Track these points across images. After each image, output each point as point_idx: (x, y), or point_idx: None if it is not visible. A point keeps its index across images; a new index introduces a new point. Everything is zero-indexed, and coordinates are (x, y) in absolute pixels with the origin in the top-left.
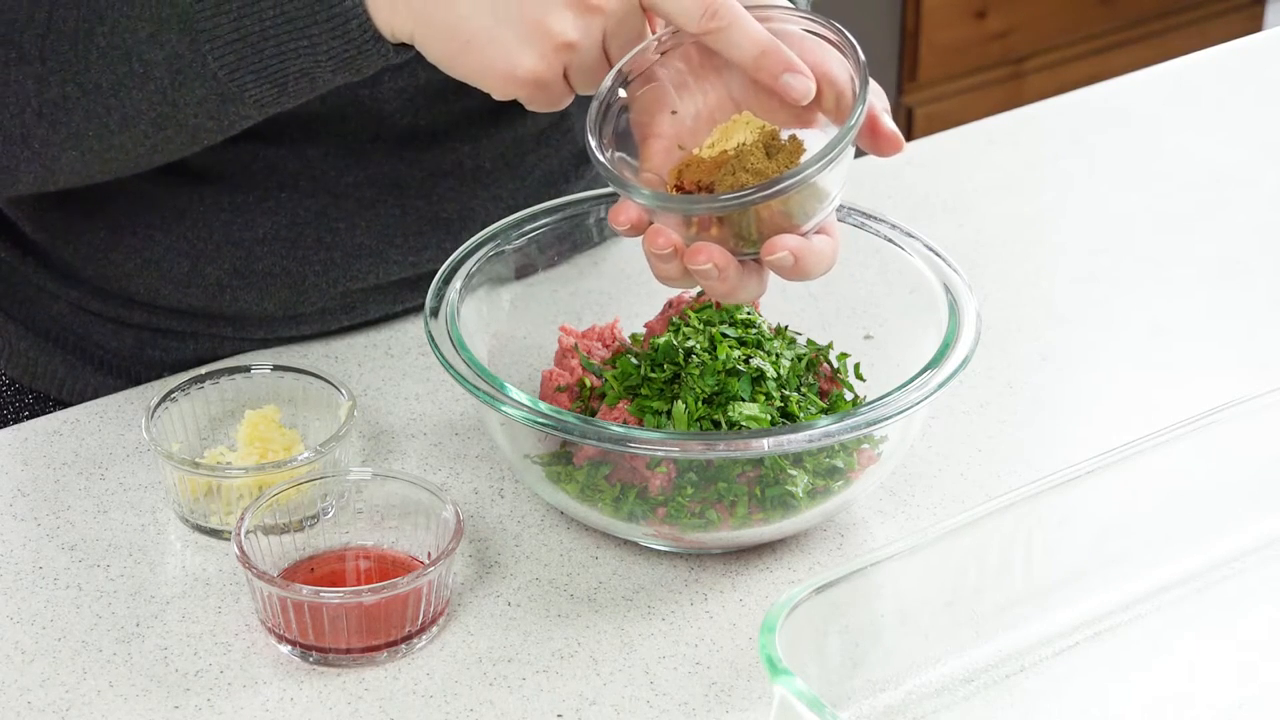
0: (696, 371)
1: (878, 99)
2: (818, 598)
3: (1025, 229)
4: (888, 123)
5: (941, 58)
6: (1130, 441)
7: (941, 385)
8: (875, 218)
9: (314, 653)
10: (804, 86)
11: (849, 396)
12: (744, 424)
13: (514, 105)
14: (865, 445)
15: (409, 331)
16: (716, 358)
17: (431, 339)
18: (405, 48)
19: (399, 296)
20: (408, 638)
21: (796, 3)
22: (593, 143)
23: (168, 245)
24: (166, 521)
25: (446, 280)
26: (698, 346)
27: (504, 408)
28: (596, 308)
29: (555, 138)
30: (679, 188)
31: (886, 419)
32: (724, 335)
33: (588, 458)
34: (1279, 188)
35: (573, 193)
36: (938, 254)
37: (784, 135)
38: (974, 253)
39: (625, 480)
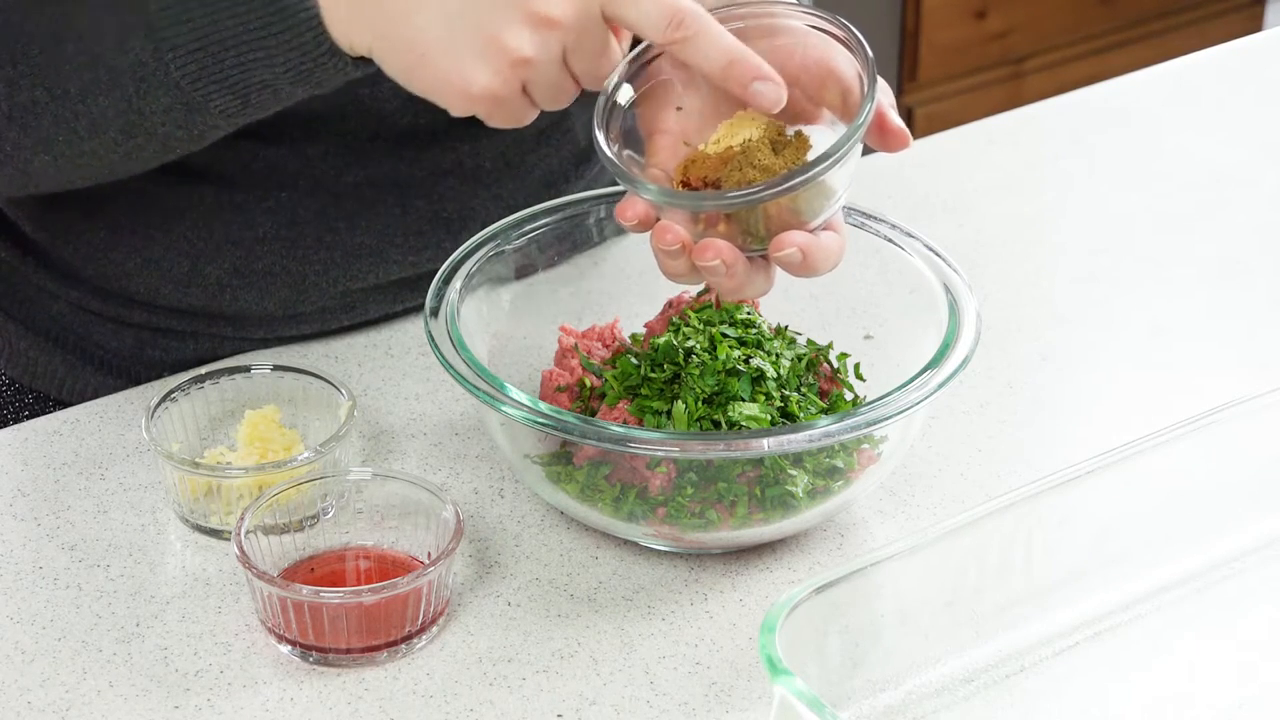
0: (696, 371)
1: (884, 95)
2: (818, 598)
3: (1025, 229)
4: (895, 119)
5: (941, 58)
6: (1130, 441)
7: (941, 385)
8: (875, 218)
9: (314, 653)
10: (775, 94)
11: (849, 396)
12: (744, 424)
13: None
14: (865, 445)
15: (409, 331)
16: (716, 358)
17: (431, 339)
18: (366, 62)
19: (399, 296)
20: (408, 638)
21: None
22: (600, 138)
23: (168, 245)
24: (166, 521)
25: (446, 280)
26: (698, 346)
27: (504, 408)
28: (596, 308)
29: (555, 138)
30: (685, 184)
31: (886, 419)
32: (724, 335)
33: (588, 458)
34: (1279, 188)
35: (573, 193)
36: (938, 254)
37: (789, 131)
38: (974, 253)
39: (625, 480)
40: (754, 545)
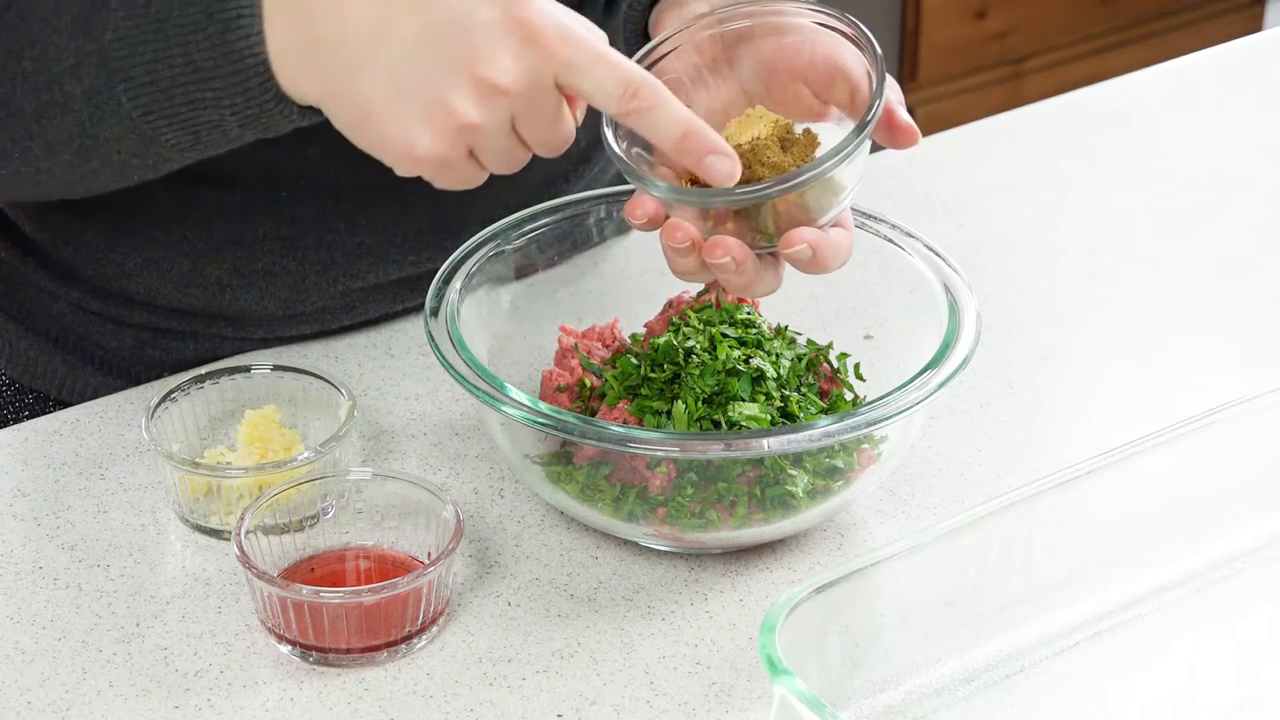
0: (696, 371)
1: (893, 92)
2: (818, 598)
3: (1025, 229)
4: (903, 116)
5: (941, 58)
6: (1130, 441)
7: (941, 385)
8: (875, 218)
9: (314, 653)
10: (728, 168)
11: (849, 396)
12: (744, 424)
13: None
14: (865, 445)
15: (409, 331)
16: (716, 358)
17: (431, 339)
18: (315, 111)
19: (399, 296)
20: (408, 638)
21: None
22: (609, 135)
23: (168, 245)
24: (166, 521)
25: (446, 280)
26: (698, 346)
27: (504, 408)
28: (596, 308)
29: None
30: (694, 181)
31: (886, 419)
32: (724, 335)
33: (588, 458)
34: (1279, 188)
35: (573, 193)
36: (938, 254)
37: (798, 129)
38: (974, 253)
39: (625, 480)
40: (754, 545)
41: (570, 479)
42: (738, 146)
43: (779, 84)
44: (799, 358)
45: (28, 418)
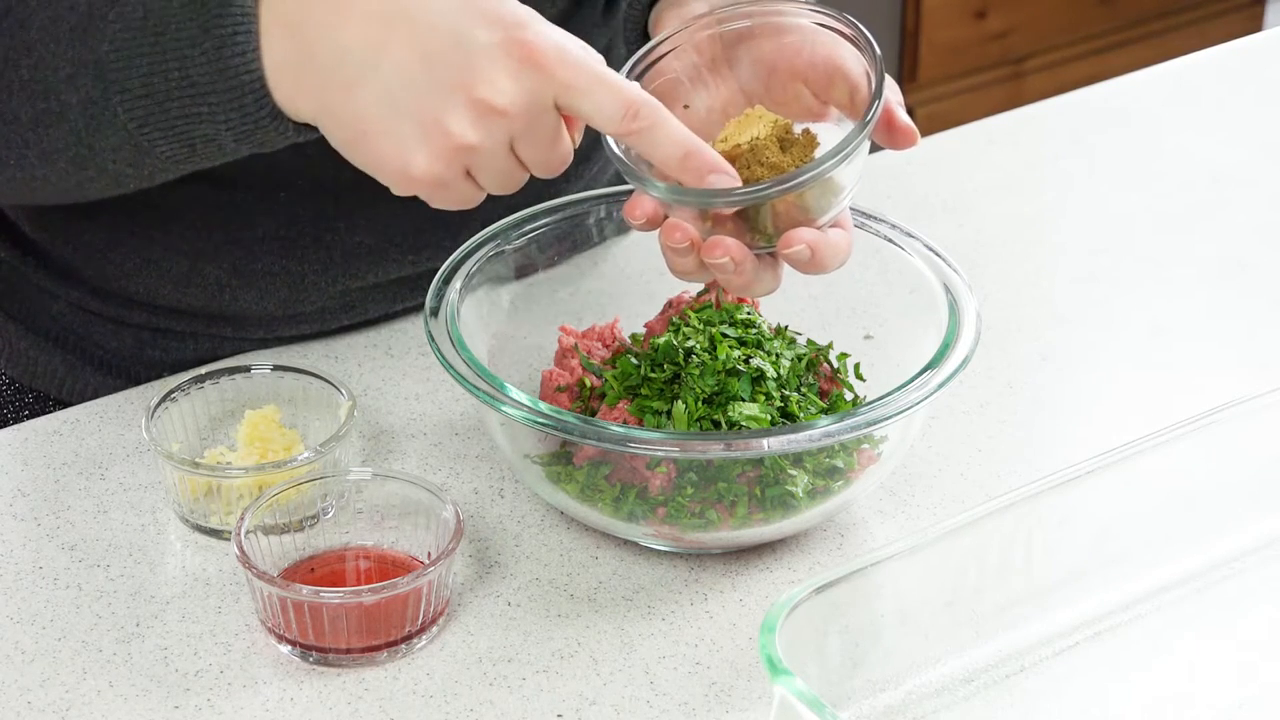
0: (696, 371)
1: (892, 93)
2: (818, 598)
3: (1025, 229)
4: (903, 117)
5: (941, 58)
6: (1130, 441)
7: (941, 385)
8: (875, 218)
9: (314, 653)
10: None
11: (849, 396)
12: (744, 424)
13: None
14: (865, 445)
15: (409, 331)
16: (716, 358)
17: (431, 339)
18: (310, 128)
19: (399, 296)
20: (408, 638)
21: None
22: (609, 137)
23: (167, 245)
24: (166, 521)
25: (446, 280)
26: (698, 346)
27: (504, 408)
28: (596, 308)
29: None
30: None
31: (886, 419)
32: (724, 335)
33: (588, 458)
34: (1279, 188)
35: (573, 193)
36: (938, 254)
37: (797, 129)
38: (974, 253)
39: (625, 480)
40: (754, 545)
41: (570, 479)
42: (737, 146)
43: (778, 84)
44: (799, 358)
45: (28, 418)
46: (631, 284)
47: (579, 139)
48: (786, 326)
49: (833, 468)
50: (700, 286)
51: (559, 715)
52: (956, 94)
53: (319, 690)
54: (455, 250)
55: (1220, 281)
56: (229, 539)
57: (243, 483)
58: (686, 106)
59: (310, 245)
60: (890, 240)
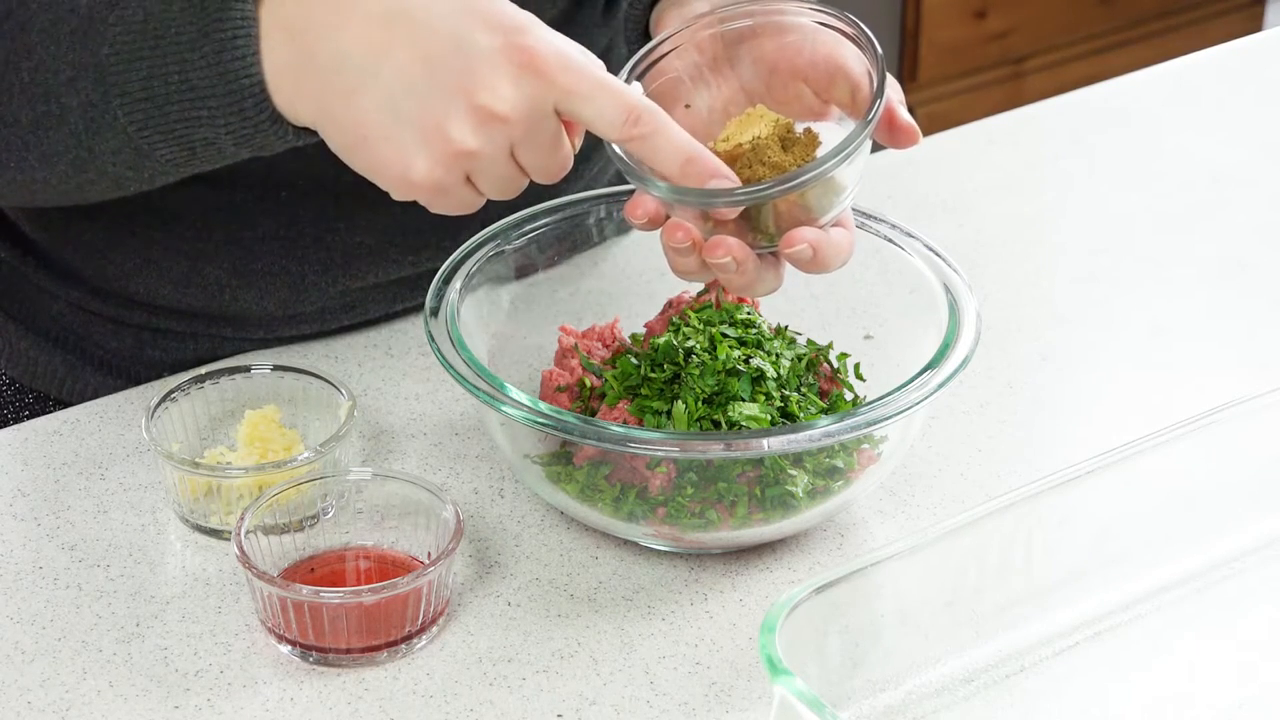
0: (696, 371)
1: (894, 92)
2: (818, 598)
3: (1025, 229)
4: (904, 115)
5: (941, 58)
6: (1130, 441)
7: (941, 385)
8: (875, 218)
9: (314, 653)
10: None
11: (849, 396)
12: (744, 424)
13: None
14: (865, 445)
15: (409, 331)
16: (716, 358)
17: (431, 339)
18: (310, 132)
19: (399, 296)
20: (408, 638)
21: None
22: None
23: (167, 245)
24: (166, 521)
25: (446, 280)
26: (698, 346)
27: (504, 408)
28: (596, 308)
29: None
30: None
31: (886, 419)
32: (724, 335)
33: (588, 458)
34: (1279, 188)
35: (573, 193)
36: (938, 254)
37: (799, 128)
38: (974, 253)
39: (625, 480)
40: (754, 545)
41: (570, 479)
42: (738, 146)
43: (780, 83)
44: (799, 358)
45: (28, 418)
46: (631, 284)
47: (579, 144)
48: (786, 326)
49: (833, 468)
50: (700, 286)
51: (559, 715)
52: (956, 94)
53: (319, 690)
54: (455, 250)
55: (1220, 281)
56: (229, 539)
57: (243, 483)
58: (688, 106)
59: (310, 245)
60: (890, 240)
